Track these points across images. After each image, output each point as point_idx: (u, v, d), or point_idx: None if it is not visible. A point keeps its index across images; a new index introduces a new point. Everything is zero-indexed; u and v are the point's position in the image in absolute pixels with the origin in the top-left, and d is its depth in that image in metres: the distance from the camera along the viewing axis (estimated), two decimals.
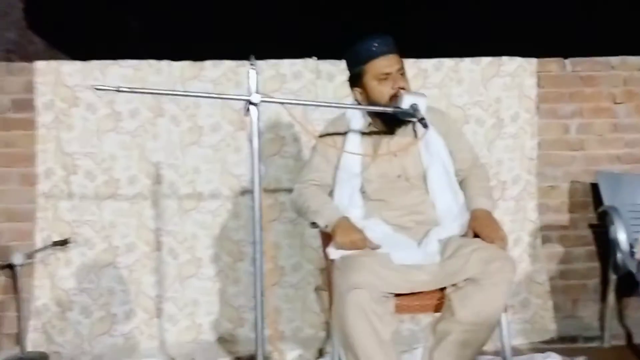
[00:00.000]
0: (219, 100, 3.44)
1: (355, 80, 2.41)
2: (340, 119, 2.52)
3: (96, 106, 3.42)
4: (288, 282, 3.47)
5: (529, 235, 3.55)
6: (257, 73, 2.06)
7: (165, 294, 3.42)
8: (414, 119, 2.24)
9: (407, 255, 2.21)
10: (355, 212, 2.37)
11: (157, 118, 3.44)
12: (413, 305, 2.17)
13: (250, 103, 2.05)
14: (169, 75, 3.44)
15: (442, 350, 2.14)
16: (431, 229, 2.34)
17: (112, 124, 3.43)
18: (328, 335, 3.35)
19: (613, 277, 3.30)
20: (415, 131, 2.45)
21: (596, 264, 3.63)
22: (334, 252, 2.20)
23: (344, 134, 2.46)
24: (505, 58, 3.57)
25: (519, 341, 3.33)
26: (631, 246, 3.14)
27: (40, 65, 3.44)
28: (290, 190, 3.39)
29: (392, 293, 2.11)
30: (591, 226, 3.64)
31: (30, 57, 4.71)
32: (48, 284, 3.38)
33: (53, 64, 3.45)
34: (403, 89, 2.32)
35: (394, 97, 2.30)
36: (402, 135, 2.44)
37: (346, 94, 3.36)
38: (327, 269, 2.29)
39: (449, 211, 2.38)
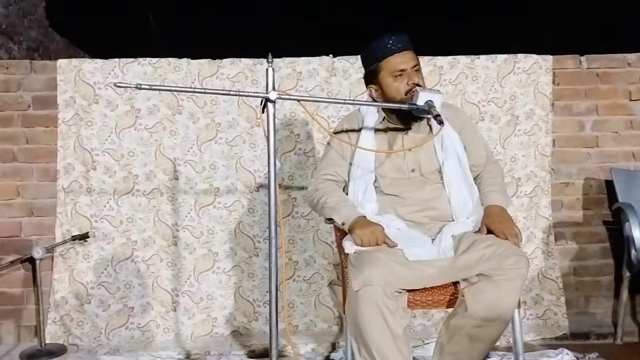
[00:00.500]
0: (236, 97, 3.49)
1: (371, 77, 2.42)
2: (354, 115, 2.53)
3: (116, 103, 3.47)
4: (302, 277, 3.51)
5: (543, 231, 3.55)
6: (274, 71, 2.09)
7: (181, 288, 3.48)
8: (429, 116, 2.26)
9: (421, 252, 2.21)
10: (370, 207, 2.39)
11: (175, 115, 3.49)
12: (426, 300, 2.18)
13: (267, 100, 2.08)
14: (188, 73, 3.49)
15: (454, 345, 2.16)
16: (445, 225, 2.35)
17: (131, 121, 3.48)
18: (341, 330, 3.39)
19: (627, 274, 3.30)
20: (430, 126, 2.46)
21: (610, 261, 3.63)
22: (349, 247, 2.21)
23: (359, 130, 2.48)
24: (520, 55, 3.57)
25: (531, 337, 3.33)
26: None
27: (61, 63, 3.50)
28: (303, 187, 3.45)
29: (404, 288, 2.12)
30: (605, 223, 3.64)
31: (52, 55, 4.79)
32: (67, 277, 3.45)
33: (74, 61, 3.51)
34: (419, 85, 2.32)
35: (409, 93, 2.31)
36: (417, 131, 2.45)
37: (361, 91, 3.40)
38: (342, 264, 2.31)
39: (464, 207, 2.39)
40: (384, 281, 2.04)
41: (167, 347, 3.29)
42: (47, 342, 3.32)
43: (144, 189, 3.48)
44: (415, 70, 2.36)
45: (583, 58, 3.66)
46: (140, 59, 3.49)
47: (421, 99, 2.25)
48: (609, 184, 3.56)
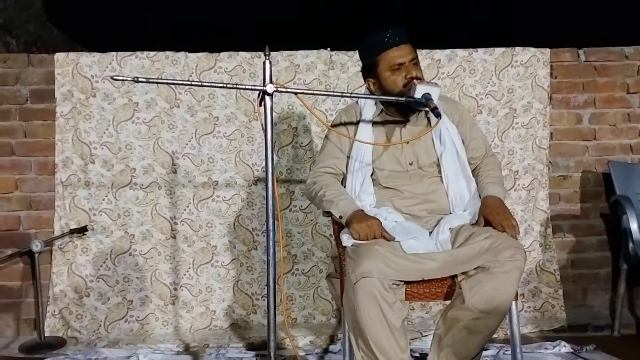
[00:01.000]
0: (234, 91, 3.49)
1: (369, 71, 2.41)
2: (353, 108, 2.53)
3: (113, 96, 3.47)
4: (300, 270, 3.52)
5: (540, 224, 3.56)
6: (271, 64, 2.09)
7: (180, 281, 3.49)
8: (427, 109, 2.26)
9: (419, 245, 2.21)
10: (367, 200, 2.39)
11: (173, 108, 3.49)
12: (423, 293, 2.18)
13: (265, 93, 2.08)
14: (185, 66, 3.49)
15: (452, 337, 2.16)
16: (443, 218, 2.35)
17: (129, 114, 3.48)
18: (339, 322, 3.39)
19: (624, 267, 3.32)
20: (428, 119, 2.46)
21: (607, 254, 3.65)
22: (346, 239, 2.22)
23: (357, 122, 2.48)
24: (518, 48, 3.58)
25: (529, 329, 3.35)
26: None
27: (59, 56, 3.49)
28: (301, 181, 3.46)
29: (402, 281, 2.12)
30: (603, 216, 3.65)
31: (50, 49, 4.77)
32: (66, 270, 3.45)
33: (72, 55, 3.51)
34: (417, 78, 2.32)
35: (407, 86, 2.31)
36: (415, 124, 2.45)
37: (359, 84, 3.41)
38: (339, 256, 2.32)
39: (462, 199, 2.39)
40: (381, 273, 2.05)
41: (166, 340, 3.30)
42: (46, 335, 3.33)
43: (142, 182, 3.49)
44: (414, 64, 2.35)
45: (581, 51, 3.66)
46: (138, 53, 3.49)
47: (419, 92, 2.24)
48: (607, 177, 3.57)
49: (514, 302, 2.22)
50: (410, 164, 2.42)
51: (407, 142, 2.41)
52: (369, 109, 2.48)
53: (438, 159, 2.43)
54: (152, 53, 3.50)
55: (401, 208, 2.40)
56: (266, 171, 2.09)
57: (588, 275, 3.66)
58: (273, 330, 2.11)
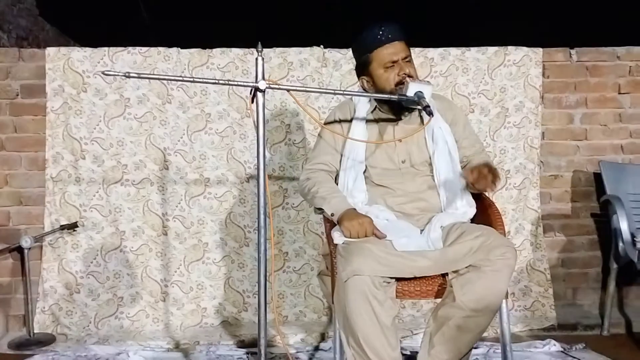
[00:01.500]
0: (226, 87, 3.48)
1: (362, 68, 2.41)
2: (347, 104, 2.53)
3: (105, 92, 3.45)
4: (292, 268, 3.52)
5: (531, 223, 3.57)
6: (264, 60, 2.09)
7: (171, 278, 3.48)
8: (419, 107, 2.25)
9: (410, 242, 2.22)
10: (359, 197, 2.39)
11: (165, 104, 3.48)
12: (414, 290, 2.19)
13: (257, 90, 2.07)
14: (178, 62, 3.48)
15: (442, 335, 2.17)
16: (434, 216, 2.36)
17: (120, 110, 3.46)
18: (330, 320, 3.40)
19: (614, 266, 3.33)
20: (421, 117, 2.46)
21: (597, 253, 3.67)
22: (338, 237, 2.22)
23: (350, 120, 2.48)
24: (511, 47, 3.58)
25: (519, 328, 3.36)
26: (633, 236, 3.16)
27: (50, 51, 3.47)
28: (294, 178, 3.46)
29: (393, 278, 2.13)
30: (593, 215, 3.67)
31: (41, 44, 4.75)
32: (56, 266, 3.43)
33: (63, 50, 3.49)
34: (410, 76, 2.32)
35: (400, 84, 2.31)
36: (408, 122, 2.45)
37: (352, 82, 3.41)
38: (330, 254, 2.32)
39: (453, 198, 2.40)
40: (372, 271, 2.05)
41: (157, 337, 3.29)
42: (35, 331, 3.31)
43: (133, 178, 3.47)
44: (407, 61, 2.35)
45: (573, 51, 3.67)
46: (130, 48, 3.47)
47: (411, 90, 2.24)
48: (598, 177, 3.58)
49: (504, 301, 2.23)
50: (403, 162, 2.42)
51: (400, 140, 2.41)
52: (363, 106, 2.48)
53: (430, 158, 2.43)
54: (144, 48, 3.48)
55: (393, 206, 2.40)
56: (258, 168, 2.09)
57: (578, 274, 3.67)
58: (264, 327, 2.12)
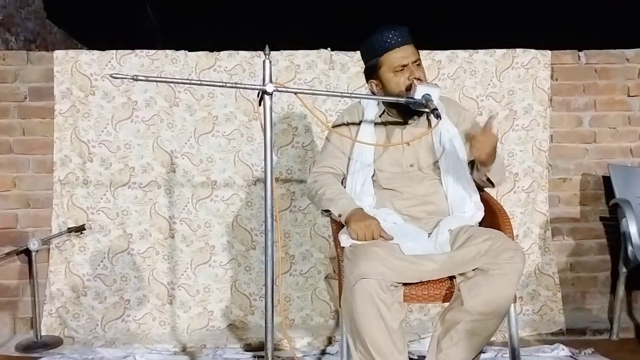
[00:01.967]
0: (233, 90, 3.48)
1: (371, 72, 2.40)
2: (355, 108, 2.52)
3: (112, 95, 3.46)
4: (298, 271, 3.51)
5: (540, 227, 3.55)
6: (271, 63, 2.08)
7: (178, 281, 3.47)
8: (427, 110, 2.24)
9: (417, 246, 2.21)
10: (367, 201, 2.38)
11: (172, 107, 3.48)
12: (422, 294, 2.18)
13: (264, 92, 2.07)
14: (185, 65, 3.48)
15: (450, 339, 2.16)
16: (442, 219, 2.35)
17: (128, 113, 3.47)
18: (337, 324, 3.39)
19: (623, 270, 3.30)
20: (429, 121, 2.45)
21: (606, 257, 3.64)
22: (345, 240, 2.21)
23: (359, 123, 2.47)
24: (519, 50, 3.57)
25: (527, 332, 3.34)
26: None
27: (58, 54, 3.48)
28: (302, 181, 3.45)
29: (401, 282, 2.12)
30: (602, 219, 3.64)
31: (49, 47, 4.76)
32: (63, 269, 3.44)
33: (71, 53, 3.50)
34: (419, 79, 2.31)
35: (409, 88, 2.30)
36: (417, 126, 2.44)
37: (360, 85, 3.40)
38: (338, 257, 2.31)
39: (461, 201, 2.38)
40: (379, 275, 2.04)
41: (163, 340, 3.29)
42: (42, 334, 3.31)
43: (140, 181, 3.47)
44: (417, 65, 2.35)
45: (581, 53, 3.65)
46: (138, 51, 3.48)
47: (419, 93, 2.23)
48: (607, 180, 3.56)
49: (512, 305, 2.22)
50: (411, 165, 2.41)
51: (408, 143, 2.41)
52: (372, 109, 2.47)
53: (438, 161, 2.42)
54: (151, 51, 3.49)
55: (400, 209, 2.39)
56: (265, 171, 2.08)
57: (587, 278, 3.65)
58: (270, 331, 2.11)
